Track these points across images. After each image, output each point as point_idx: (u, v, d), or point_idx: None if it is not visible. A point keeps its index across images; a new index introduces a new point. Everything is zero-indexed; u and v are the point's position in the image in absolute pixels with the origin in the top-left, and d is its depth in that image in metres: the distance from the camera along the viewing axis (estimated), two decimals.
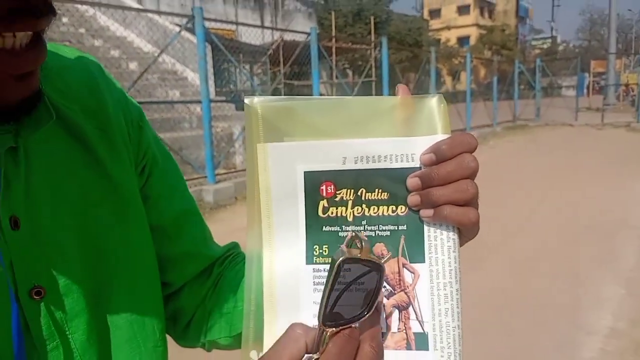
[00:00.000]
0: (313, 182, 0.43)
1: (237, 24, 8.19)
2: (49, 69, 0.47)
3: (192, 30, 7.41)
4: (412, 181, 0.42)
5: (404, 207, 0.43)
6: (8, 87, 0.40)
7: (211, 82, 8.25)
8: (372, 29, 30.89)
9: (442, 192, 0.41)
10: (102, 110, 0.51)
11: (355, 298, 0.36)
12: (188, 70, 10.05)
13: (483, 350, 2.84)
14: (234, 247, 0.65)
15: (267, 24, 32.12)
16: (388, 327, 0.42)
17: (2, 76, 0.39)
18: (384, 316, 0.42)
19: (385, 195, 0.43)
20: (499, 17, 50.16)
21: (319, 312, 0.36)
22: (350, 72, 33.58)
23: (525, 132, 16.13)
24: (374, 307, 0.37)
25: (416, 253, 0.42)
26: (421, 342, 0.42)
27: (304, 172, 0.43)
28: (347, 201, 0.43)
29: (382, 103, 0.43)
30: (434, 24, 47.28)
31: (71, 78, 0.50)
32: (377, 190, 0.43)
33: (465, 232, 0.43)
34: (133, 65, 9.30)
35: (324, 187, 0.43)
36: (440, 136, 0.42)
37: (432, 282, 0.42)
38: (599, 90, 27.38)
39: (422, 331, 0.42)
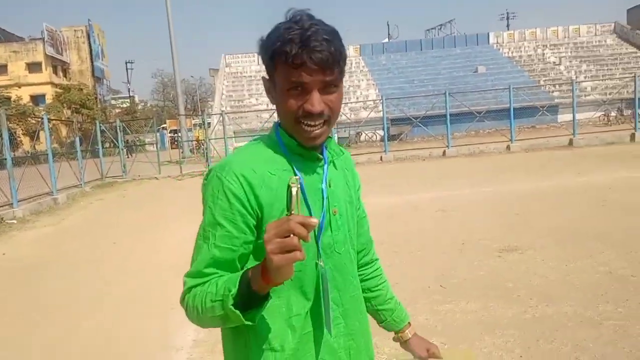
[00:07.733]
0: None
1: None
2: (332, 145, 1.26)
3: None
4: None
5: None
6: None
7: None
8: None
9: None
10: (350, 167, 1.33)
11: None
12: None
13: None
14: (373, 260, 1.47)
15: None
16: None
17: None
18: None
19: None
20: (75, 77, 49.54)
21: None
22: None
23: (114, 188, 16.73)
24: (292, 210, 0.94)
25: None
26: None
27: None
28: None
29: None
30: (1, 80, 42.59)
31: (341, 152, 1.31)
32: None
33: None
34: None
35: None
36: None
37: None
38: (178, 144, 31.00)
39: None
